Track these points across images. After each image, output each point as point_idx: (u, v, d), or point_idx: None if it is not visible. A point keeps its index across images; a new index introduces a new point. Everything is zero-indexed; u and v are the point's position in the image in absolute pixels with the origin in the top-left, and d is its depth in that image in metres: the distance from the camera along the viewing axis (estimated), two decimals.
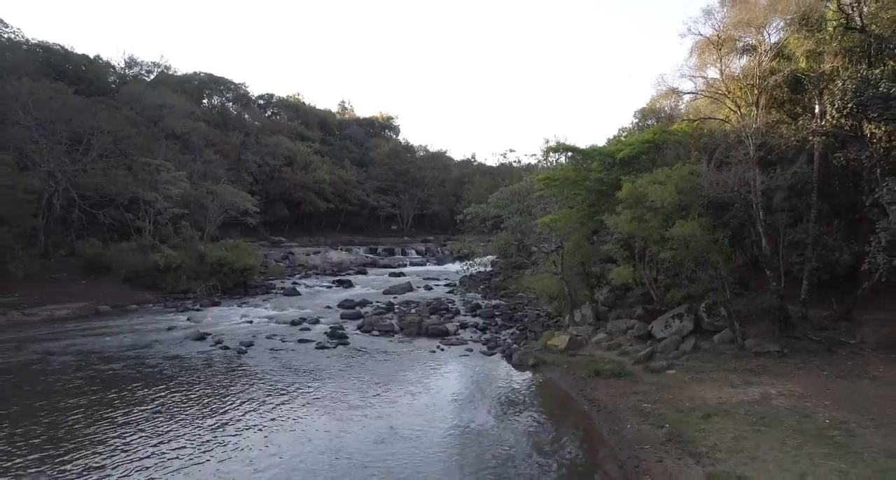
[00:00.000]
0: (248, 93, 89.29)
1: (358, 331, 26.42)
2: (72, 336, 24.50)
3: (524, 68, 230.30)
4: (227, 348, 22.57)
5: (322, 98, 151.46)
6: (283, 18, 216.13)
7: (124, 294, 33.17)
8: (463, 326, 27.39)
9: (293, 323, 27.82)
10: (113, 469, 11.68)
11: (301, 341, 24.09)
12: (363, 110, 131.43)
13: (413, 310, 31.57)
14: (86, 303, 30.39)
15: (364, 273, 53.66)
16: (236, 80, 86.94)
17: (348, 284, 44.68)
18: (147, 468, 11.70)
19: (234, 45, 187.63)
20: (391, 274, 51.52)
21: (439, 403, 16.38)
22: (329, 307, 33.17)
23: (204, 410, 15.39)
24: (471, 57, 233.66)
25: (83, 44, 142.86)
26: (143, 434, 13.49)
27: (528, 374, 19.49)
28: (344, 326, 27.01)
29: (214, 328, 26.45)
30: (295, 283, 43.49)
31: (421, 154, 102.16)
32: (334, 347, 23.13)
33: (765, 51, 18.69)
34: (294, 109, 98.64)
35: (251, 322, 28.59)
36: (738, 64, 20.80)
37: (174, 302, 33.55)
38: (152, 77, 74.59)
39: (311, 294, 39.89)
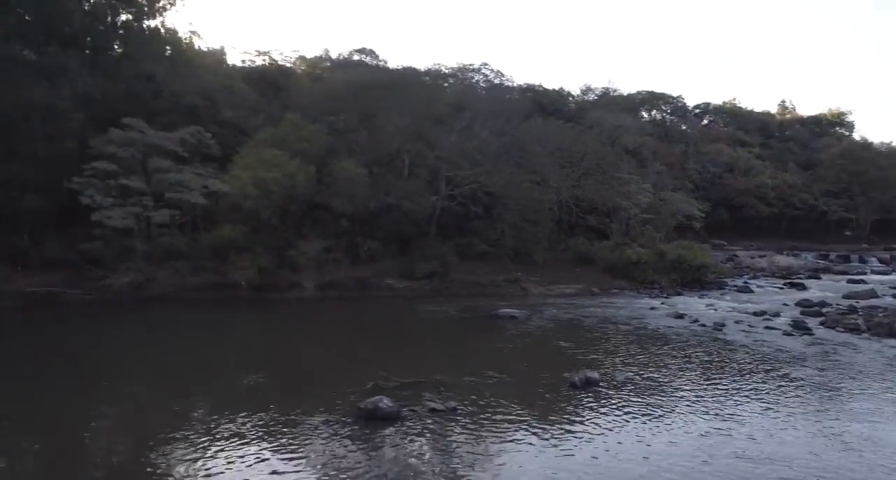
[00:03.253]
0: (685, 104, 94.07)
1: (820, 327, 28.49)
2: (586, 306, 34.20)
3: None
4: (703, 326, 28.14)
5: (759, 100, 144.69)
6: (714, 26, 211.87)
7: (606, 281, 42.74)
8: None
9: (755, 314, 31.57)
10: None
11: (767, 327, 27.93)
12: (806, 108, 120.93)
13: (881, 314, 31.23)
14: (582, 286, 40.83)
15: (817, 277, 52.14)
16: (673, 94, 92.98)
17: (801, 287, 45.14)
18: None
19: (673, 61, 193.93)
20: (849, 281, 48.85)
21: None
22: (786, 305, 35.50)
23: (708, 375, 21.43)
24: None
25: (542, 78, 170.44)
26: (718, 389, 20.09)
27: None
28: (805, 321, 29.44)
29: (686, 311, 32.47)
30: (746, 283, 46.44)
31: (882, 151, 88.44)
32: (800, 336, 26.17)
33: None
34: (730, 115, 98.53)
35: (715, 309, 33.70)
36: None
37: (644, 290, 41.33)
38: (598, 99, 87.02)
39: (764, 293, 42.52)
